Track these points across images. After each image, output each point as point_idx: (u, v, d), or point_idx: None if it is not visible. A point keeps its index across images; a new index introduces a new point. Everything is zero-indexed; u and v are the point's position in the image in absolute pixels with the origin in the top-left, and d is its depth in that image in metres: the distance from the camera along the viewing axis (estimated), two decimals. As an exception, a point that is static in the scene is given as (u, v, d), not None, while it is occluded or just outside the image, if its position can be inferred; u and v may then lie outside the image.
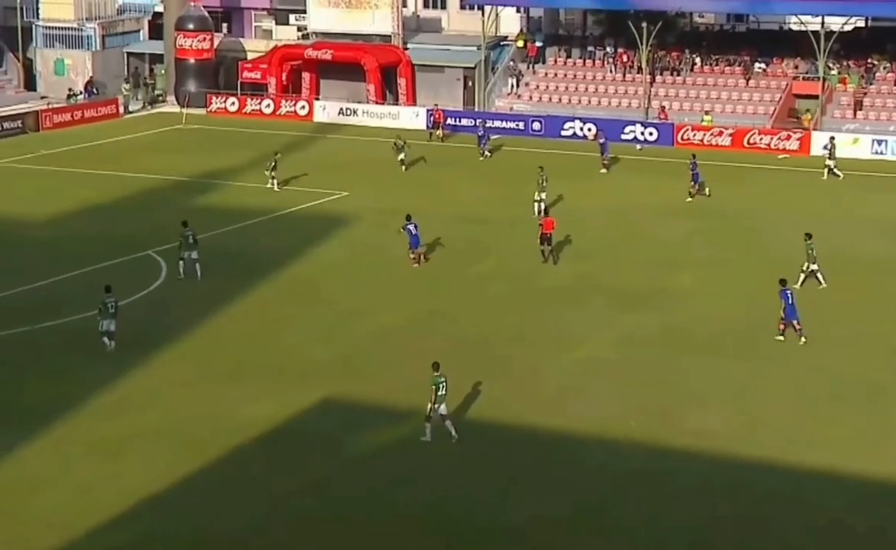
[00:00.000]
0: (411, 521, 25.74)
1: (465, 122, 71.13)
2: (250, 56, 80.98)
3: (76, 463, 28.05)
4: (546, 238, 44.26)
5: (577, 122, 69.09)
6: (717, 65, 73.59)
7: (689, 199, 53.12)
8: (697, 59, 73.91)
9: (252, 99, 76.71)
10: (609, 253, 45.70)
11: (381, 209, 51.55)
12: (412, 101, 76.09)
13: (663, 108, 70.29)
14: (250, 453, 28.83)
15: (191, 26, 78.20)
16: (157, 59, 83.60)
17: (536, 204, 49.40)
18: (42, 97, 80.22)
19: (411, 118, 72.06)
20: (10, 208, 50.27)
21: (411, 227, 43.60)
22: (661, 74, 73.67)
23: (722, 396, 32.52)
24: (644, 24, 69.99)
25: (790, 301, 36.00)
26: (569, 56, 77.31)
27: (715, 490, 27.27)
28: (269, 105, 76.21)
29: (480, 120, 68.66)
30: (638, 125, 68.05)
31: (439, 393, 28.94)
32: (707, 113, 69.10)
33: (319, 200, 53.60)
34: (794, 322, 36.03)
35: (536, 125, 69.63)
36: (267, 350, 35.41)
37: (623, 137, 67.16)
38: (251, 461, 28.46)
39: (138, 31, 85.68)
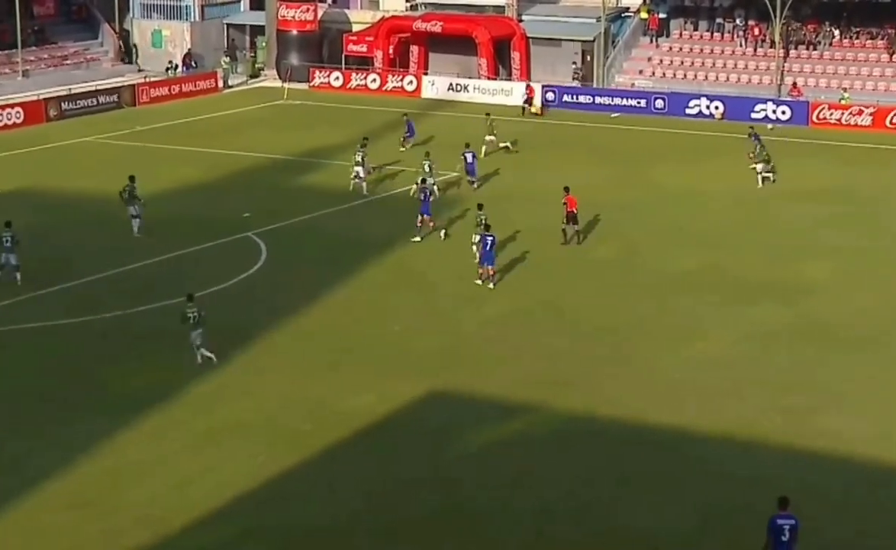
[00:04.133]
0: (520, 525, 25.78)
1: (582, 99, 71.07)
2: (356, 28, 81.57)
3: (172, 455, 28.57)
4: (571, 217, 44.10)
5: (704, 99, 68.52)
6: (857, 38, 72.49)
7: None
8: (836, 32, 72.87)
9: (357, 73, 77.27)
10: (735, 240, 45.30)
11: (492, 191, 51.64)
12: (526, 76, 76.04)
13: (795, 84, 69.43)
14: (351, 447, 29.12)
15: (294, -4, 79.08)
16: (258, 31, 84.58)
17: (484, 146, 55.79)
18: (139, 70, 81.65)
19: (524, 94, 71.92)
20: (104, 186, 51.12)
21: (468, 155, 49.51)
22: (796, 48, 72.81)
23: (858, 395, 32.07)
24: (778, -6, 69.20)
25: (488, 248, 39.39)
26: (695, 29, 76.75)
27: (853, 498, 26.93)
28: (374, 80, 76.70)
29: (407, 113, 62.10)
30: (770, 103, 67.27)
31: (190, 322, 32.91)
32: (845, 90, 68.13)
33: (427, 181, 53.85)
34: (489, 267, 39.53)
35: (659, 103, 69.18)
36: (370, 339, 35.71)
37: (753, 115, 66.42)
38: (352, 455, 28.75)
39: (239, 1, 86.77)
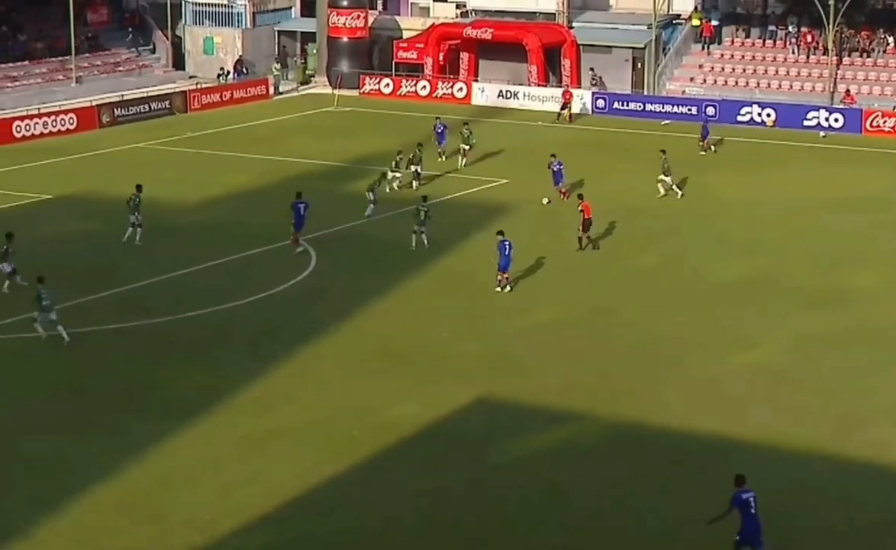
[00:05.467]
0: (563, 533, 25.84)
1: (632, 106, 71.05)
2: (406, 35, 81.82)
3: (220, 460, 28.81)
4: (587, 224, 44.07)
5: (756, 107, 68.27)
6: (912, 45, 72.07)
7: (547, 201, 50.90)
8: (890, 40, 72.42)
9: (407, 80, 77.48)
10: (786, 248, 45.13)
11: (539, 196, 51.66)
12: (577, 83, 76.02)
13: (849, 91, 69.04)
14: (397, 453, 29.26)
15: (345, 3, 79.43)
16: (308, 37, 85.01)
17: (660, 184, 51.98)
18: (190, 77, 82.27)
19: (575, 101, 71.91)
20: (155, 192, 51.51)
21: (301, 206, 44.43)
22: (849, 56, 72.42)
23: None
24: (831, 2, 68.77)
25: (506, 252, 39.66)
26: (747, 36, 76.50)
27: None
28: (424, 87, 76.87)
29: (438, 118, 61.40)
30: (822, 111, 66.94)
31: (43, 304, 35.13)
32: (900, 98, 67.81)
33: (477, 187, 54.00)
34: (505, 274, 39.80)
35: (710, 110, 68.91)
36: (416, 346, 35.85)
37: (805, 123, 66.18)
38: (398, 461, 28.89)
39: (290, 8, 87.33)
